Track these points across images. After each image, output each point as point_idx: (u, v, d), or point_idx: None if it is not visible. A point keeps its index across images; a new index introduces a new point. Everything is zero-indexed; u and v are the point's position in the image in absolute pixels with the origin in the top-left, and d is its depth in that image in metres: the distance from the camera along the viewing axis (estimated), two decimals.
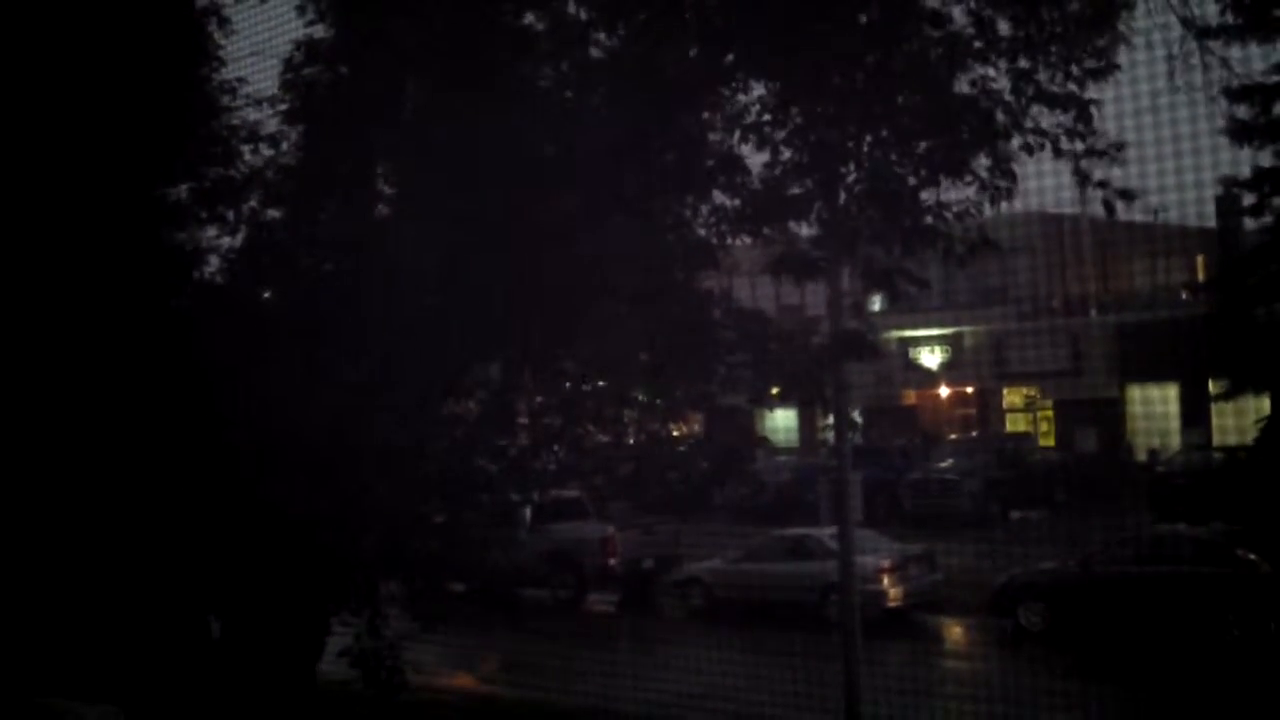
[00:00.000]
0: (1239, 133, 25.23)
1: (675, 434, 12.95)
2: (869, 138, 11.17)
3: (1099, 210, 11.44)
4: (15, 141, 9.53)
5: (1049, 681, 18.46)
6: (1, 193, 9.59)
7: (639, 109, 10.13)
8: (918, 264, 11.91)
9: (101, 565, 10.23)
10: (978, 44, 10.92)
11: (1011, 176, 11.29)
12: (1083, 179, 11.16)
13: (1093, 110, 11.19)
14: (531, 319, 10.47)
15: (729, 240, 11.61)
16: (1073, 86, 11.16)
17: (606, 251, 10.10)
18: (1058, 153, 11.18)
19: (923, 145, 11.13)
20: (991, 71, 11.13)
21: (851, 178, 11.40)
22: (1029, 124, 11.20)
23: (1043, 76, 11.12)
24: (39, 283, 9.61)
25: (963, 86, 11.14)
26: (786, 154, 11.31)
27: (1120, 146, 11.19)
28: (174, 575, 10.32)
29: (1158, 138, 25.52)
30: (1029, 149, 11.20)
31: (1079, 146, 11.14)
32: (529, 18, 11.17)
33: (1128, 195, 11.22)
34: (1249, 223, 29.37)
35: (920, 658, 22.60)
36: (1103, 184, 11.17)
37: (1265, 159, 26.05)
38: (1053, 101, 11.13)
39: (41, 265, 9.58)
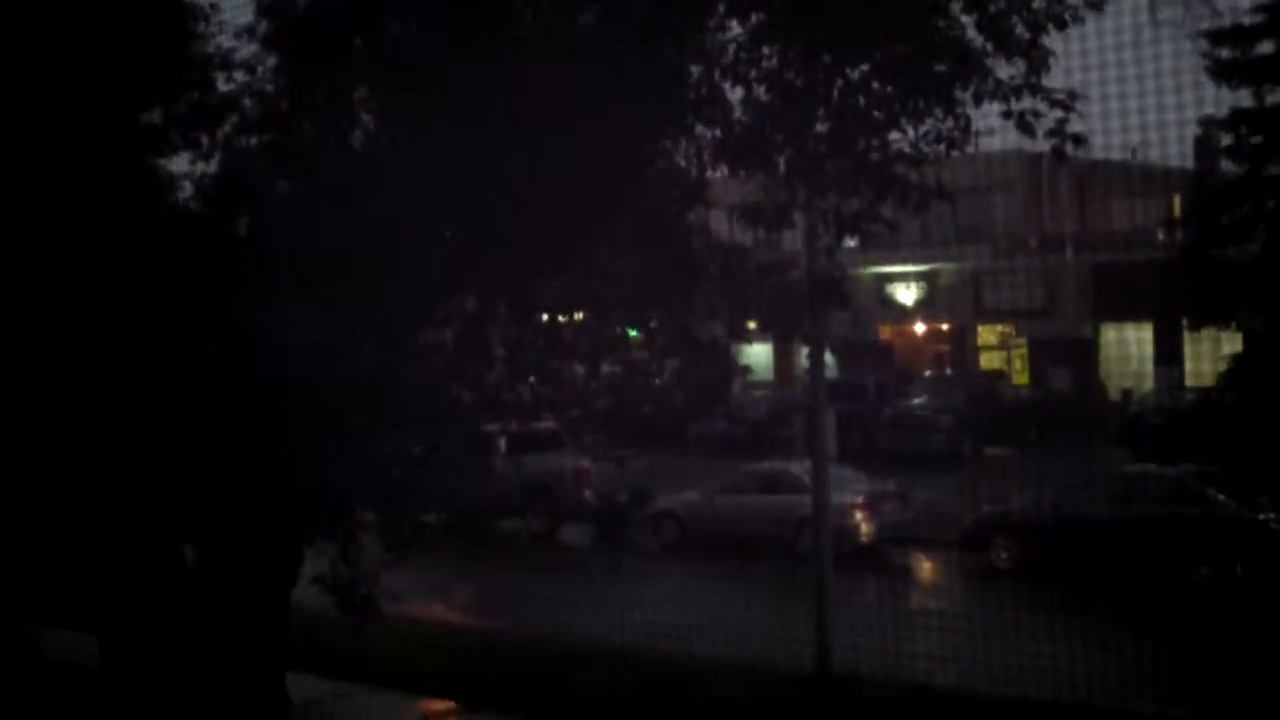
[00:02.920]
0: (1218, 73, 25.20)
1: (652, 366, 12.94)
2: (839, 81, 11.13)
3: (1056, 158, 11.41)
4: None
5: (1015, 616, 18.65)
6: None
7: (620, 39, 10.06)
8: (888, 207, 11.93)
9: (74, 492, 10.21)
10: None
11: (966, 123, 11.31)
12: (1028, 130, 11.13)
13: (1049, 61, 11.15)
14: (510, 251, 10.42)
15: (710, 172, 11.58)
16: (1028, 34, 11.09)
17: (590, 190, 10.05)
18: (1006, 113, 11.15)
19: (890, 89, 11.10)
20: (960, 17, 11.08)
21: (822, 120, 11.38)
22: (987, 72, 11.17)
23: (1014, 21, 11.07)
24: (10, 202, 9.52)
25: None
26: (760, 92, 11.28)
27: (1075, 96, 11.15)
28: (147, 501, 10.31)
29: (1139, 74, 25.51)
30: (977, 98, 11.17)
31: (1029, 102, 11.10)
32: None
33: (1079, 140, 11.19)
34: (1227, 164, 29.39)
35: (890, 592, 22.82)
36: (1054, 131, 11.14)
37: (1244, 100, 26.03)
38: (1015, 50, 11.08)
39: (13, 184, 9.48)
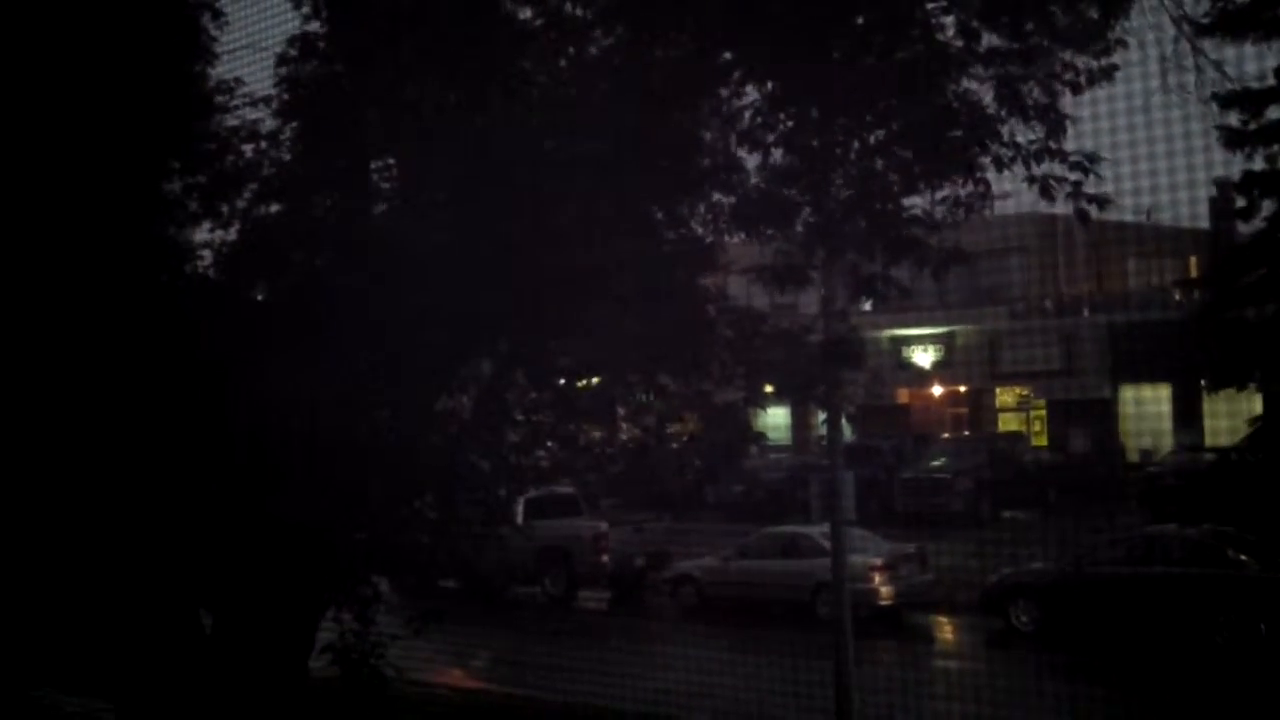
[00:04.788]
0: (1230, 137, 25.25)
1: (669, 431, 12.96)
2: (856, 144, 11.22)
3: (1079, 220, 11.44)
4: (9, 136, 9.52)
5: (1038, 682, 18.51)
6: None
7: (636, 108, 10.15)
8: (902, 270, 12.00)
9: (93, 559, 10.23)
10: (970, 49, 10.95)
11: (985, 187, 11.37)
12: (1048, 194, 11.18)
13: (1067, 125, 11.22)
14: (526, 317, 10.48)
15: (725, 238, 11.65)
16: (1044, 99, 11.17)
17: (606, 259, 10.12)
18: (1030, 178, 11.20)
19: (908, 153, 11.18)
20: (974, 84, 11.17)
21: (839, 184, 11.47)
22: (1004, 138, 11.24)
23: (1030, 86, 11.15)
24: (33, 277, 9.60)
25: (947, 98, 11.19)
26: (777, 156, 11.38)
27: (1094, 159, 11.20)
28: (165, 568, 10.32)
29: (1151, 138, 25.57)
30: (999, 163, 11.24)
31: (1048, 165, 11.16)
32: (527, 13, 11.17)
33: (1101, 201, 11.23)
34: (1241, 226, 29.39)
35: (911, 657, 22.66)
36: (1075, 194, 11.18)
37: (1257, 163, 26.04)
38: (1032, 114, 11.15)
39: (35, 261, 9.57)
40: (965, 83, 11.12)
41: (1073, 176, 11.14)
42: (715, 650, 22.89)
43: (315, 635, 11.23)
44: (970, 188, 11.43)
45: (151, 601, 10.51)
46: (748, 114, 11.35)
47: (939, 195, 11.54)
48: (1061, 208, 11.42)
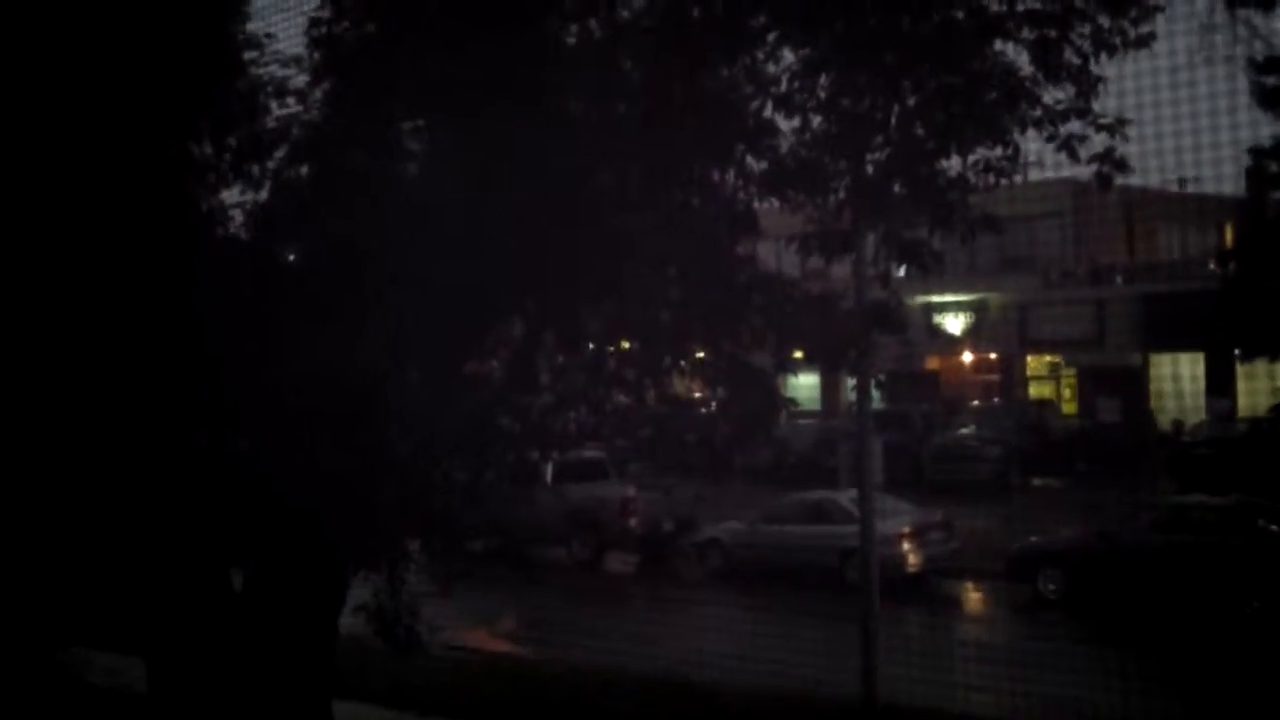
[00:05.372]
0: (1264, 101, 25.02)
1: (698, 396, 12.95)
2: (896, 108, 11.13)
3: (1099, 184, 11.35)
4: (40, 97, 9.54)
5: (1065, 647, 18.50)
6: (26, 147, 9.60)
7: (669, 70, 10.09)
8: (938, 236, 11.93)
9: (124, 518, 10.30)
10: (1011, 10, 10.84)
11: (1015, 151, 11.29)
12: (1072, 154, 11.08)
13: (1099, 87, 11.11)
14: (557, 280, 10.46)
15: (759, 203, 11.59)
16: (1077, 60, 11.07)
17: (639, 222, 10.07)
18: (1051, 137, 11.11)
19: (943, 117, 11.09)
20: (1010, 46, 11.07)
21: (878, 149, 11.39)
22: (1037, 101, 11.15)
23: (1067, 50, 11.04)
24: (64, 239, 9.63)
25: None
26: (816, 121, 11.30)
27: (1123, 121, 11.10)
28: (194, 527, 10.38)
29: (1192, 108, 25.34)
30: (1023, 124, 11.15)
31: (1076, 126, 11.06)
32: None
33: (1122, 165, 11.13)
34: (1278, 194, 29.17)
35: (937, 622, 22.69)
36: (1098, 157, 11.09)
37: None
38: (1065, 76, 11.05)
39: (66, 222, 9.60)
40: (1000, 45, 11.02)
41: (1099, 139, 11.05)
42: (741, 614, 22.95)
43: (345, 595, 11.29)
44: (1000, 150, 11.36)
45: (181, 559, 10.57)
46: (784, 78, 11.27)
47: (970, 159, 11.47)
48: (1088, 172, 11.33)
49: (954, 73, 10.77)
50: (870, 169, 11.52)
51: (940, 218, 11.44)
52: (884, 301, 12.33)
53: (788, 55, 11.13)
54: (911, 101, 11.08)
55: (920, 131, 11.20)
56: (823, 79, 11.14)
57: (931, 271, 12.00)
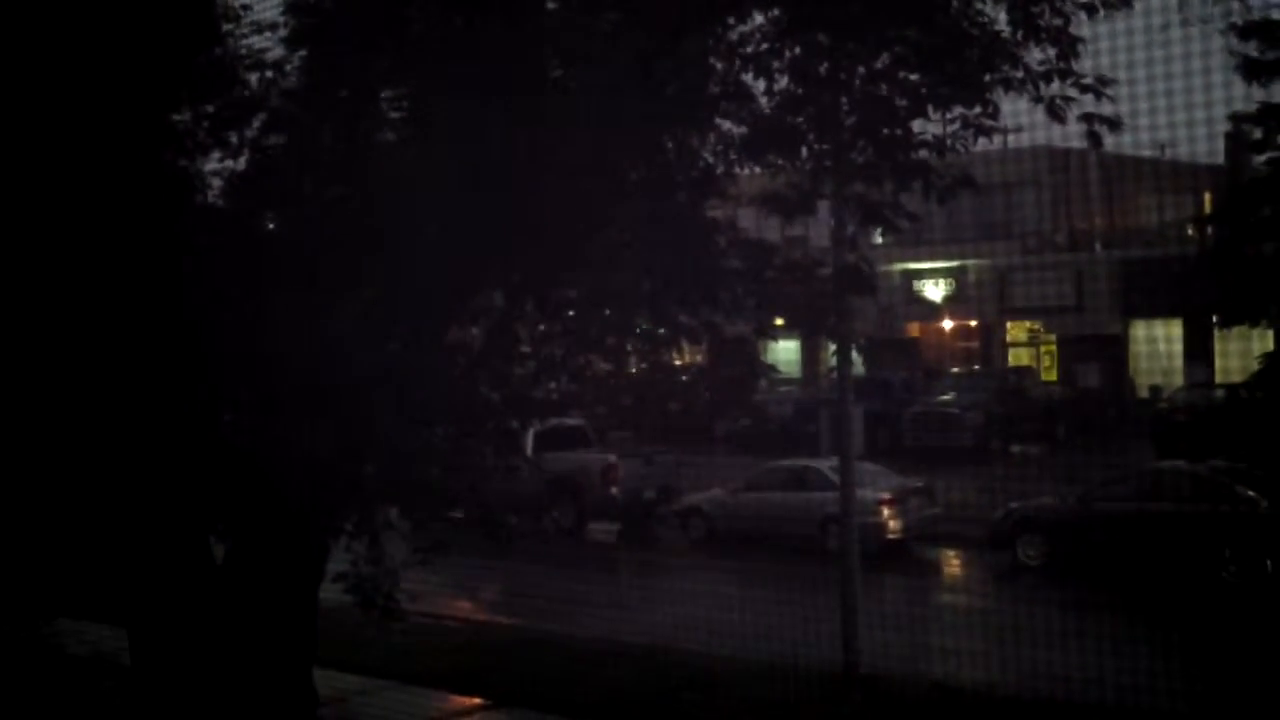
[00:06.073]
0: (1247, 69, 24.99)
1: (678, 363, 12.94)
2: (862, 70, 11.12)
3: (1091, 143, 11.36)
4: (17, 64, 9.46)
5: (1042, 613, 18.59)
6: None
7: (644, 34, 10.05)
8: (912, 198, 11.93)
9: (105, 487, 10.27)
10: None
11: (995, 110, 11.28)
12: (1058, 116, 11.09)
13: (1079, 48, 11.12)
14: (534, 247, 10.43)
15: (735, 169, 11.58)
16: (1058, 21, 11.07)
17: (612, 187, 10.04)
18: (1036, 99, 11.11)
19: (914, 77, 11.08)
20: (989, 3, 11.06)
21: (846, 111, 11.38)
22: (1017, 61, 11.15)
23: (1043, 8, 11.04)
24: (43, 207, 9.57)
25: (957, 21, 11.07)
26: (783, 83, 11.29)
27: (1104, 81, 11.10)
28: (178, 499, 10.36)
29: (1168, 71, 25.36)
30: (1007, 85, 11.14)
31: (1058, 86, 11.07)
32: None
33: (1112, 124, 11.13)
34: (1258, 160, 29.16)
35: (917, 589, 22.79)
36: (1088, 117, 11.10)
37: (1276, 95, 25.79)
38: (1044, 36, 11.04)
39: (45, 190, 9.53)
40: (978, 4, 11.01)
41: (1083, 99, 11.06)
42: (723, 582, 23.02)
43: (325, 566, 11.28)
44: (979, 110, 11.35)
45: (163, 530, 10.55)
46: (755, 39, 11.24)
47: (949, 119, 11.47)
48: (1076, 140, 11.36)
49: (931, 33, 10.76)
50: (838, 130, 11.51)
51: (905, 180, 11.42)
52: (853, 265, 12.34)
53: (759, 17, 11.11)
54: (879, 63, 11.06)
55: (885, 92, 11.19)
56: (790, 42, 11.12)
57: (899, 233, 12.02)
